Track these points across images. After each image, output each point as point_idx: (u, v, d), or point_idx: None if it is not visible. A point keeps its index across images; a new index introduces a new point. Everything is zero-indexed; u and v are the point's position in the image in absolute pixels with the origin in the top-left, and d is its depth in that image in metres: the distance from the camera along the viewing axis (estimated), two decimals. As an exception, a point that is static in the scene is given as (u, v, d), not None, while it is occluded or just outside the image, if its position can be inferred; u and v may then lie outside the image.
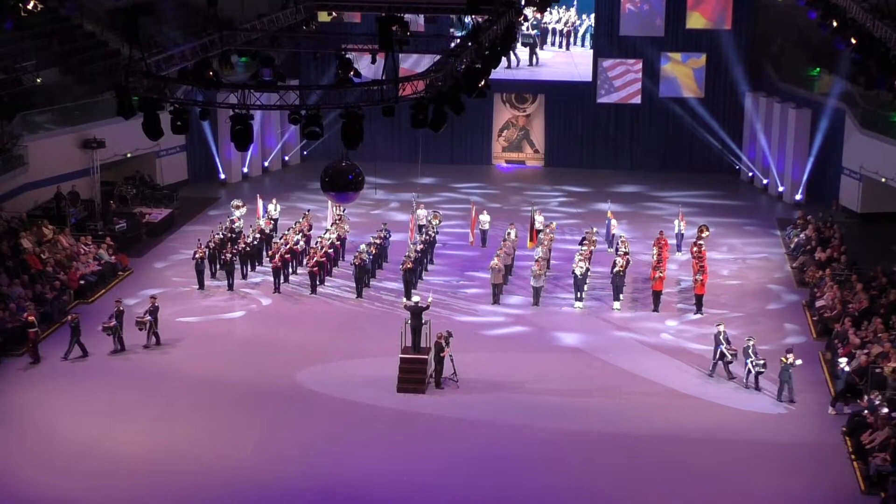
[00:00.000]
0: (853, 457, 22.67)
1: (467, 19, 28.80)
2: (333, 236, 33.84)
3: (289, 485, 21.63)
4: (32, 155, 35.36)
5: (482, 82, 26.01)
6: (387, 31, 22.49)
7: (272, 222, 36.10)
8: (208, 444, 23.20)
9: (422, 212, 36.36)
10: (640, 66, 45.53)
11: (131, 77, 22.18)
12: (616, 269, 31.04)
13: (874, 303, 28.64)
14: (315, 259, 32.12)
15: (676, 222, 35.84)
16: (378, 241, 33.45)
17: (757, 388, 25.56)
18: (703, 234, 34.17)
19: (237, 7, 39.62)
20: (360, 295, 31.57)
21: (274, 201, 37.42)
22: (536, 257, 32.14)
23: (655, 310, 30.53)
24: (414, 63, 41.10)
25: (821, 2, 31.18)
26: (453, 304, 31.15)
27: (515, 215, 38.16)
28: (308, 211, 37.17)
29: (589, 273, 31.46)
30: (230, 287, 32.06)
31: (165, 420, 24.25)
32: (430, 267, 34.03)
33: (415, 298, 27.59)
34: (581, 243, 33.72)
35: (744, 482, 21.89)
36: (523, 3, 32.72)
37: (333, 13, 38.90)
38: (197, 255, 31.96)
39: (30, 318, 27.31)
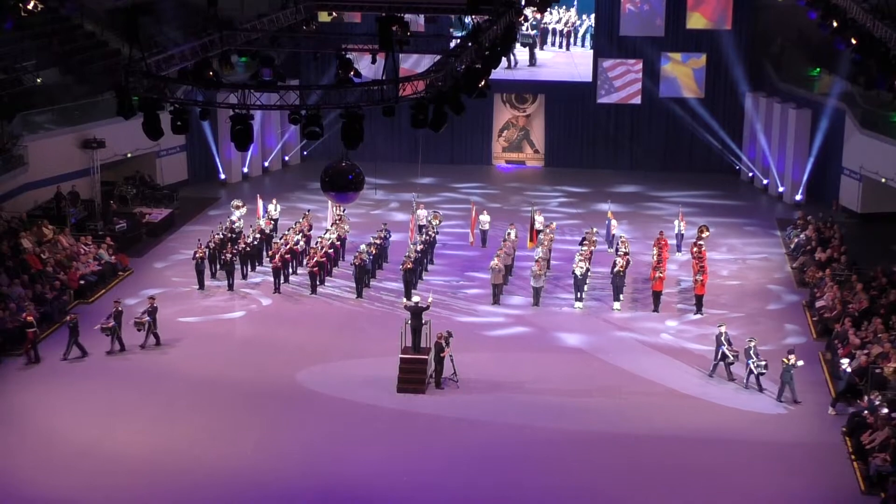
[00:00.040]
0: (853, 457, 22.67)
1: (467, 19, 28.73)
2: (333, 236, 33.84)
3: (289, 485, 21.63)
4: (32, 155, 35.36)
5: (482, 82, 26.01)
6: (387, 31, 22.49)
7: (272, 222, 36.10)
8: (208, 444, 23.20)
9: (422, 212, 36.36)
10: (640, 66, 45.54)
11: (131, 77, 22.18)
12: (616, 269, 31.03)
13: (874, 303, 28.64)
14: (315, 259, 32.12)
15: (676, 222, 35.85)
16: (378, 242, 33.45)
17: (760, 388, 25.54)
18: (704, 235, 34.17)
19: (237, 7, 39.63)
20: (360, 295, 31.58)
21: (274, 201, 37.42)
22: (536, 257, 32.14)
23: (655, 310, 30.54)
24: (414, 63, 41.10)
25: (821, 2, 31.18)
26: (453, 304, 31.15)
27: (515, 215, 38.16)
28: (308, 211, 37.17)
29: (589, 273, 31.46)
30: (230, 287, 32.06)
31: (165, 420, 24.25)
32: (430, 267, 34.03)
33: (415, 298, 27.60)
34: (581, 243, 33.73)
35: (744, 482, 21.89)
36: (523, 3, 32.72)
37: (333, 13, 38.92)
38: (197, 255, 31.96)
39: (28, 318, 27.31)
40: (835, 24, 29.91)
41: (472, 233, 36.09)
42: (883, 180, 36.52)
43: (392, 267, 33.52)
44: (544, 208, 39.10)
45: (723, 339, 26.28)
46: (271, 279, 32.14)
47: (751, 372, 25.62)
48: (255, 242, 33.77)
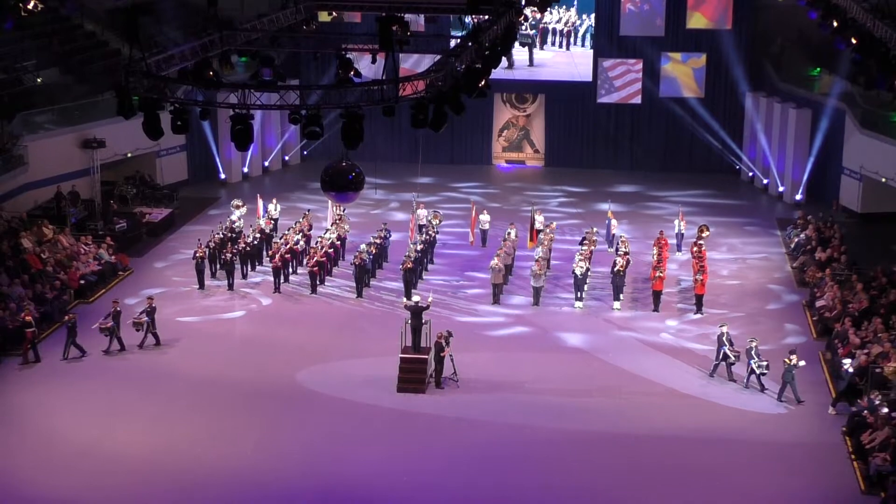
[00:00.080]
0: (853, 457, 22.67)
1: (467, 19, 28.73)
2: (333, 236, 33.84)
3: (289, 485, 21.63)
4: (32, 155, 35.36)
5: (482, 82, 26.00)
6: (387, 31, 22.48)
7: (272, 222, 36.10)
8: (208, 444, 23.20)
9: (422, 212, 36.36)
10: (640, 65, 45.53)
11: (131, 77, 22.17)
12: (616, 268, 31.03)
13: (874, 303, 28.64)
14: (315, 259, 32.12)
15: (676, 222, 35.85)
16: (378, 241, 33.45)
17: (761, 388, 25.53)
18: (704, 234, 34.17)
19: (237, 7, 39.63)
20: (360, 295, 31.58)
21: (274, 201, 37.42)
22: (536, 257, 32.14)
23: (655, 310, 30.54)
24: (414, 63, 41.10)
25: (821, 2, 31.18)
26: (453, 304, 31.15)
27: (515, 215, 38.16)
28: (308, 211, 37.16)
29: (589, 273, 31.46)
30: (230, 287, 32.06)
31: (165, 420, 24.25)
32: (430, 267, 34.03)
33: (415, 298, 27.60)
34: (581, 243, 33.72)
35: (744, 482, 21.89)
36: (523, 2, 32.72)
37: (333, 13, 38.89)
38: (197, 255, 31.96)
39: (27, 318, 27.29)
40: (835, 23, 29.90)
41: (472, 232, 36.09)
42: (883, 180, 36.52)
43: (392, 267, 33.52)
44: (544, 208, 39.10)
45: (724, 339, 26.28)
46: (271, 279, 32.14)
47: (752, 372, 25.61)
48: (255, 242, 33.78)
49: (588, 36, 45.80)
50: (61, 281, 30.86)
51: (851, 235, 35.42)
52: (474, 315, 30.45)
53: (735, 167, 44.99)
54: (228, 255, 32.30)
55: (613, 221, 36.26)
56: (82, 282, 31.49)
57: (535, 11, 41.02)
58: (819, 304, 30.07)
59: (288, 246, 32.68)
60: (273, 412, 24.70)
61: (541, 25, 45.83)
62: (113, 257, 33.37)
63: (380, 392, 25.41)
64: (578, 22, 45.92)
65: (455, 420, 24.40)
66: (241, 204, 36.79)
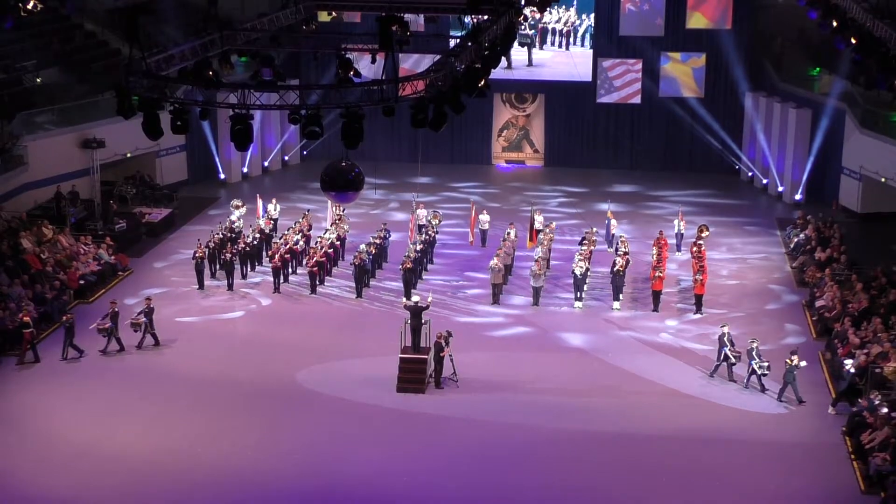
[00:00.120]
0: (853, 457, 22.68)
1: (467, 19, 28.75)
2: (333, 236, 33.84)
3: (289, 485, 21.62)
4: (32, 155, 35.35)
5: (482, 82, 26.01)
6: (387, 31, 22.49)
7: (272, 222, 36.10)
8: (208, 444, 23.20)
9: (422, 211, 36.36)
10: (640, 65, 45.52)
11: (131, 77, 22.19)
12: (616, 268, 31.04)
13: (874, 303, 28.64)
14: (315, 259, 32.12)
15: (676, 222, 35.85)
16: (378, 241, 33.45)
17: (762, 389, 25.52)
18: (703, 234, 34.17)
19: (237, 7, 39.62)
20: (359, 295, 31.57)
21: (274, 201, 37.41)
22: (536, 257, 32.14)
23: (655, 310, 30.54)
24: (414, 63, 41.08)
25: (821, 2, 31.19)
26: (453, 304, 31.15)
27: (515, 215, 38.16)
28: (308, 211, 37.16)
29: (589, 273, 31.46)
30: (230, 287, 32.05)
31: (165, 420, 24.25)
32: (429, 266, 34.03)
33: (415, 298, 27.59)
34: (581, 243, 33.73)
35: (744, 482, 21.89)
36: (523, 2, 32.72)
37: (333, 13, 38.89)
38: (197, 255, 31.96)
39: (25, 318, 27.27)
40: (835, 23, 29.92)
41: (472, 232, 36.09)
42: (883, 180, 36.52)
43: (392, 266, 33.52)
44: (544, 208, 39.10)
45: (725, 339, 26.28)
46: (271, 279, 32.14)
47: (753, 372, 25.59)
48: (255, 242, 33.77)
49: (588, 36, 45.80)
50: (61, 281, 30.86)
51: (851, 235, 35.43)
52: (474, 315, 30.44)
53: (735, 167, 44.98)
54: (228, 256, 32.29)
55: (613, 221, 36.26)
56: (82, 282, 31.48)
57: (534, 11, 41.01)
58: (819, 304, 30.07)
59: (288, 246, 32.67)
60: (273, 412, 24.70)
61: (540, 25, 45.82)
62: (113, 257, 33.36)
63: (380, 392, 25.41)
64: (578, 22, 45.91)
65: (455, 420, 24.40)
66: (240, 204, 36.78)
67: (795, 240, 35.58)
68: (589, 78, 45.87)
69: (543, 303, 31.10)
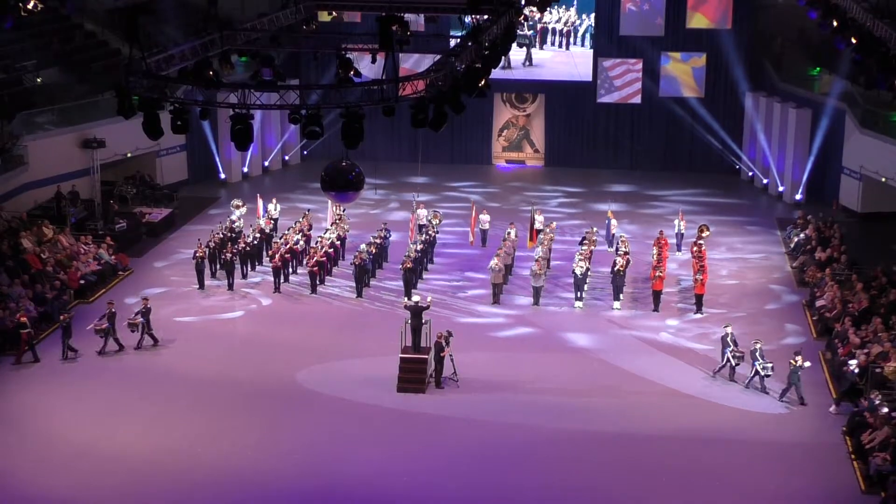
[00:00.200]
0: (853, 456, 22.67)
1: (467, 19, 28.76)
2: (333, 236, 33.84)
3: (289, 485, 21.62)
4: (32, 155, 35.35)
5: (482, 82, 26.01)
6: (387, 31, 22.48)
7: (272, 222, 36.10)
8: (208, 444, 23.20)
9: (422, 211, 36.37)
10: (640, 65, 45.51)
11: (131, 77, 22.18)
12: (616, 268, 31.03)
13: (874, 303, 28.64)
14: (315, 259, 32.12)
15: (676, 222, 35.85)
16: (378, 241, 33.45)
17: (763, 390, 25.51)
18: (704, 234, 34.17)
19: (237, 6, 39.61)
20: (360, 295, 31.57)
21: (274, 201, 37.41)
22: (536, 257, 32.14)
23: (655, 309, 30.54)
24: (415, 63, 41.07)
25: (821, 2, 31.19)
26: (453, 304, 31.15)
27: (515, 215, 38.16)
28: (308, 210, 37.16)
29: (589, 273, 31.45)
30: (230, 287, 32.05)
31: (165, 420, 24.25)
32: (430, 266, 34.02)
33: (415, 298, 27.59)
34: (581, 243, 33.73)
35: (744, 482, 21.88)
36: (523, 2, 32.71)
37: (334, 13, 38.88)
38: (197, 255, 31.96)
39: (22, 319, 27.24)
40: (835, 23, 29.91)
41: (472, 232, 36.09)
42: (883, 180, 36.52)
43: (392, 266, 33.52)
44: (544, 208, 39.10)
45: (728, 339, 26.27)
46: (271, 279, 32.14)
47: (756, 373, 25.55)
48: (255, 242, 33.77)
49: (588, 36, 45.79)
50: (61, 281, 30.86)
51: (851, 235, 35.43)
52: (474, 315, 30.44)
53: (735, 167, 44.98)
54: (228, 255, 32.29)
55: (613, 221, 36.25)
56: (82, 282, 31.49)
57: (533, 12, 40.99)
58: (819, 303, 30.06)
59: (288, 246, 32.67)
60: (273, 412, 24.70)
61: (540, 25, 45.82)
62: (113, 257, 33.37)
63: (380, 392, 25.41)
64: (578, 22, 45.91)
65: (455, 420, 24.39)
66: (240, 204, 36.79)
67: (796, 240, 35.58)
68: (589, 78, 45.86)
69: (544, 303, 31.09)
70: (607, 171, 45.59)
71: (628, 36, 45.35)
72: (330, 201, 35.13)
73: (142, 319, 27.82)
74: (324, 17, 38.33)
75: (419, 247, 32.95)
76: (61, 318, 27.74)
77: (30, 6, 33.44)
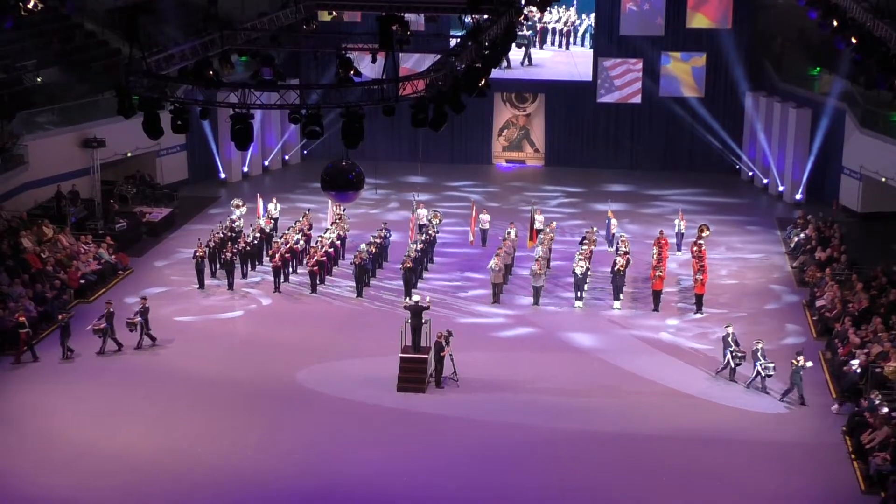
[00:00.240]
0: (853, 456, 22.68)
1: (467, 19, 28.78)
2: (333, 235, 33.84)
3: (289, 485, 21.62)
4: (32, 154, 35.36)
5: (482, 82, 26.01)
6: (387, 31, 22.48)
7: (272, 221, 36.10)
8: (208, 444, 23.20)
9: (422, 211, 36.37)
10: (640, 65, 45.50)
11: (131, 76, 22.18)
12: (616, 268, 31.03)
13: (874, 302, 28.64)
14: (315, 258, 32.12)
15: (677, 222, 35.85)
16: (378, 241, 33.45)
17: (764, 390, 25.51)
18: (704, 234, 34.17)
19: (237, 6, 39.60)
20: (360, 294, 31.57)
21: (274, 200, 37.41)
22: (536, 257, 32.14)
23: (656, 309, 30.54)
24: (415, 63, 41.06)
25: (821, 2, 31.19)
26: (454, 303, 31.15)
27: (515, 215, 38.16)
28: (308, 210, 37.16)
29: (589, 273, 31.45)
30: (230, 286, 32.05)
31: (165, 420, 24.24)
32: (430, 266, 34.02)
33: (415, 298, 27.58)
34: (581, 243, 33.73)
35: (744, 482, 21.88)
36: (523, 2, 32.71)
37: (334, 12, 38.87)
38: (197, 255, 31.95)
39: (20, 318, 27.23)
40: (835, 23, 29.92)
41: (472, 232, 36.09)
42: (883, 180, 36.52)
43: (392, 266, 33.52)
44: (544, 207, 39.09)
45: (730, 339, 26.27)
46: (271, 278, 32.14)
47: (758, 373, 25.55)
48: (256, 241, 33.77)
49: (588, 35, 45.79)
50: (61, 280, 30.86)
51: (851, 235, 35.43)
52: (474, 315, 30.44)
53: (735, 167, 44.98)
54: (228, 255, 32.29)
55: (613, 221, 36.25)
56: (82, 281, 31.48)
57: (531, 12, 40.96)
58: (819, 303, 30.07)
59: (288, 245, 32.67)
60: (273, 412, 24.70)
61: (540, 25, 45.81)
62: (113, 257, 33.37)
63: (380, 392, 25.41)
64: (578, 21, 45.90)
65: (455, 420, 24.40)
66: (241, 203, 36.80)
67: (796, 239, 35.58)
68: (589, 77, 45.86)
69: (544, 302, 31.09)
70: (607, 170, 45.59)
71: (628, 36, 45.35)
72: (330, 201, 35.13)
73: (140, 319, 27.82)
74: (324, 16, 38.35)
75: (419, 246, 32.94)
76: (59, 317, 27.73)
77: (30, 6, 33.47)
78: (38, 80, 38.10)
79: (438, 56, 24.62)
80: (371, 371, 26.46)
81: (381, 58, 27.54)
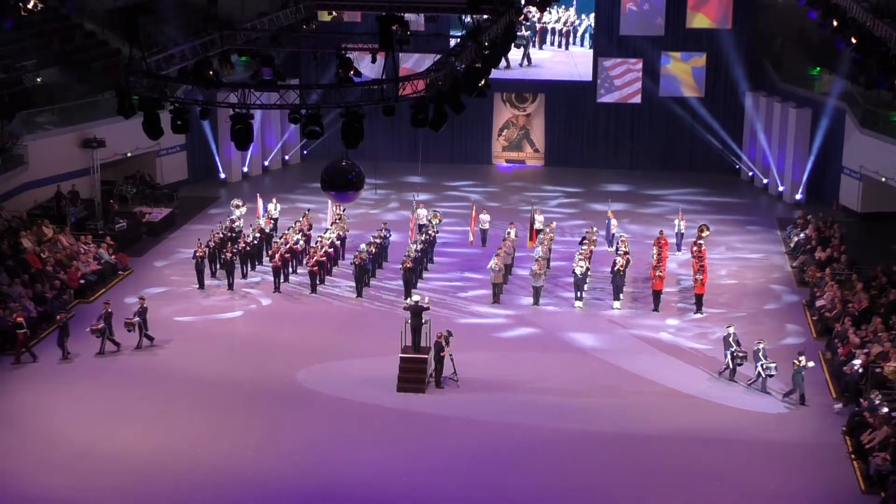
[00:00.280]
0: (853, 456, 22.68)
1: (467, 19, 28.78)
2: (333, 236, 33.83)
3: (289, 485, 21.62)
4: (32, 154, 35.36)
5: (482, 81, 26.01)
6: (387, 31, 22.47)
7: (272, 222, 36.10)
8: (208, 444, 23.19)
9: (422, 211, 36.36)
10: (640, 65, 45.50)
11: (131, 76, 22.18)
12: (616, 268, 31.03)
13: (874, 302, 28.64)
14: (315, 258, 32.12)
15: (676, 221, 35.85)
16: (378, 241, 33.44)
17: (765, 390, 25.50)
18: (704, 234, 34.17)
19: (237, 6, 39.61)
20: (360, 294, 31.57)
21: (274, 200, 37.41)
22: (536, 257, 32.14)
23: (655, 309, 30.53)
24: (415, 63, 41.06)
25: (821, 2, 31.19)
26: (454, 304, 31.14)
27: (515, 215, 38.15)
28: (308, 210, 37.16)
29: (589, 273, 31.45)
30: (230, 286, 32.05)
31: (165, 420, 24.24)
32: (429, 266, 34.02)
33: (415, 298, 27.58)
34: (581, 243, 33.73)
35: (744, 482, 21.88)
36: (523, 2, 32.71)
37: (333, 12, 38.87)
38: (197, 255, 31.95)
39: (18, 319, 27.21)
40: (835, 23, 29.92)
41: (472, 232, 36.09)
42: (883, 180, 36.52)
43: (392, 266, 33.51)
44: (544, 207, 39.09)
45: (731, 339, 26.26)
46: (271, 278, 32.14)
47: (759, 374, 25.54)
48: (255, 242, 33.77)
49: (587, 36, 45.78)
50: (61, 280, 30.85)
51: (851, 235, 35.43)
52: (474, 315, 30.43)
53: (735, 167, 44.98)
54: (228, 255, 32.29)
55: (613, 221, 36.25)
56: (82, 281, 31.48)
57: (531, 13, 40.94)
58: (819, 303, 30.06)
59: (288, 245, 32.67)
60: (273, 412, 24.70)
61: (539, 25, 45.81)
62: (113, 257, 33.37)
63: (380, 392, 25.41)
64: (577, 22, 45.90)
65: (455, 420, 24.39)
66: (240, 203, 36.80)
67: (796, 239, 35.58)
68: (589, 77, 45.86)
69: (543, 302, 31.09)
70: (607, 170, 45.58)
71: (628, 36, 45.35)
72: (330, 201, 35.12)
73: (138, 319, 27.81)
74: (324, 16, 38.34)
75: (419, 246, 32.94)
76: (58, 317, 27.72)
77: (30, 6, 33.47)
78: (38, 80, 38.11)
79: (438, 56, 24.62)
80: (371, 371, 26.46)
81: (380, 58, 27.55)
